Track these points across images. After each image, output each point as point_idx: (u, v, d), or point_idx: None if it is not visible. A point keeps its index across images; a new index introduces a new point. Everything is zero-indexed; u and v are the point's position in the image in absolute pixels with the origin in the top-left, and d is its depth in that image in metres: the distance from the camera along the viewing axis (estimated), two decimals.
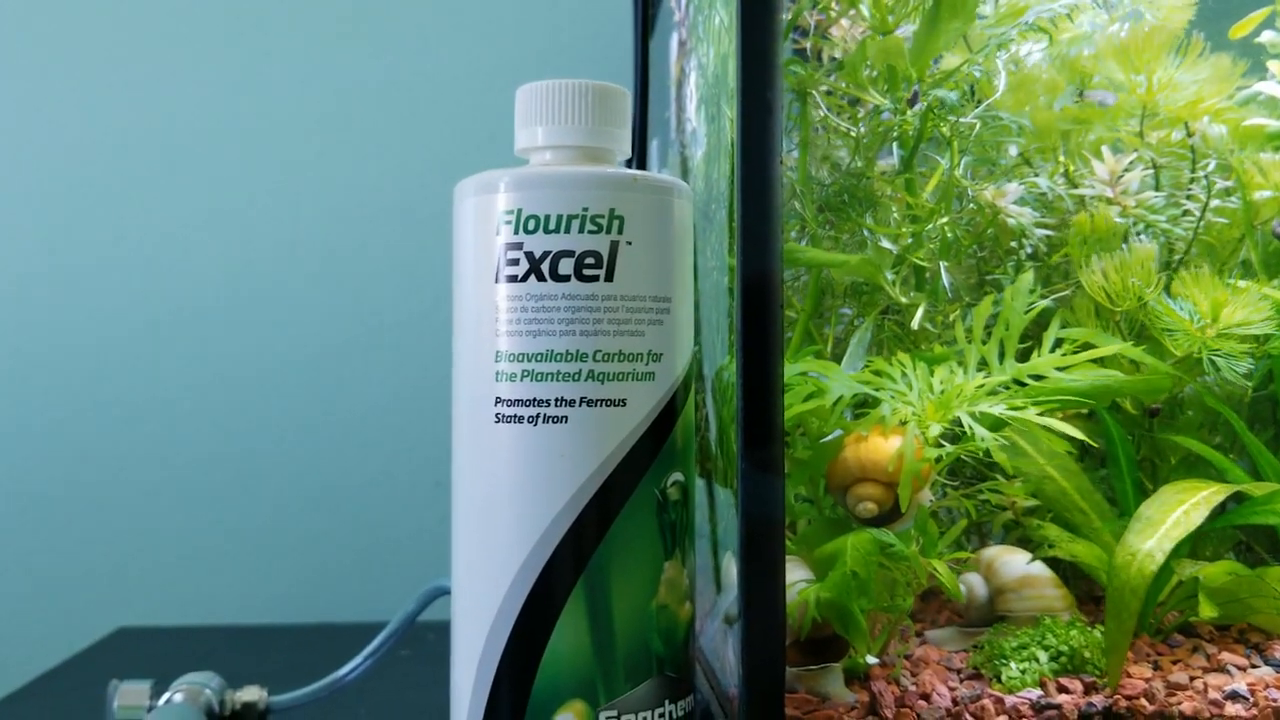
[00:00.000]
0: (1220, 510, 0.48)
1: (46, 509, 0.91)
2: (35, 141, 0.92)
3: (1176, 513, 0.46)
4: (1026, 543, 0.52)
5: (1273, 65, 0.57)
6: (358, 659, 0.56)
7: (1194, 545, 0.53)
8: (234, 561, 0.91)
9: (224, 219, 0.92)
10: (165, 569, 0.91)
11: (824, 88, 0.52)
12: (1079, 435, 0.45)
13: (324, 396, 0.92)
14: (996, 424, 0.45)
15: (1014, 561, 0.52)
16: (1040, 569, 0.51)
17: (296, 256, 0.92)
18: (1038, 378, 0.47)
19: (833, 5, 0.50)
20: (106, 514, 0.91)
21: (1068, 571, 0.53)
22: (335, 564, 0.92)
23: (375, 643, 0.56)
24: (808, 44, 0.54)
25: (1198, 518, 0.46)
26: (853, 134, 0.50)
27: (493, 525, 0.42)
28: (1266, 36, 0.58)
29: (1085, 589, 0.55)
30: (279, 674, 0.59)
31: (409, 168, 0.93)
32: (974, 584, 0.53)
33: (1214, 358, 0.48)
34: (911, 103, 0.47)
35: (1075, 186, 0.52)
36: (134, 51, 0.92)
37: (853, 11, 0.50)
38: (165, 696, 0.54)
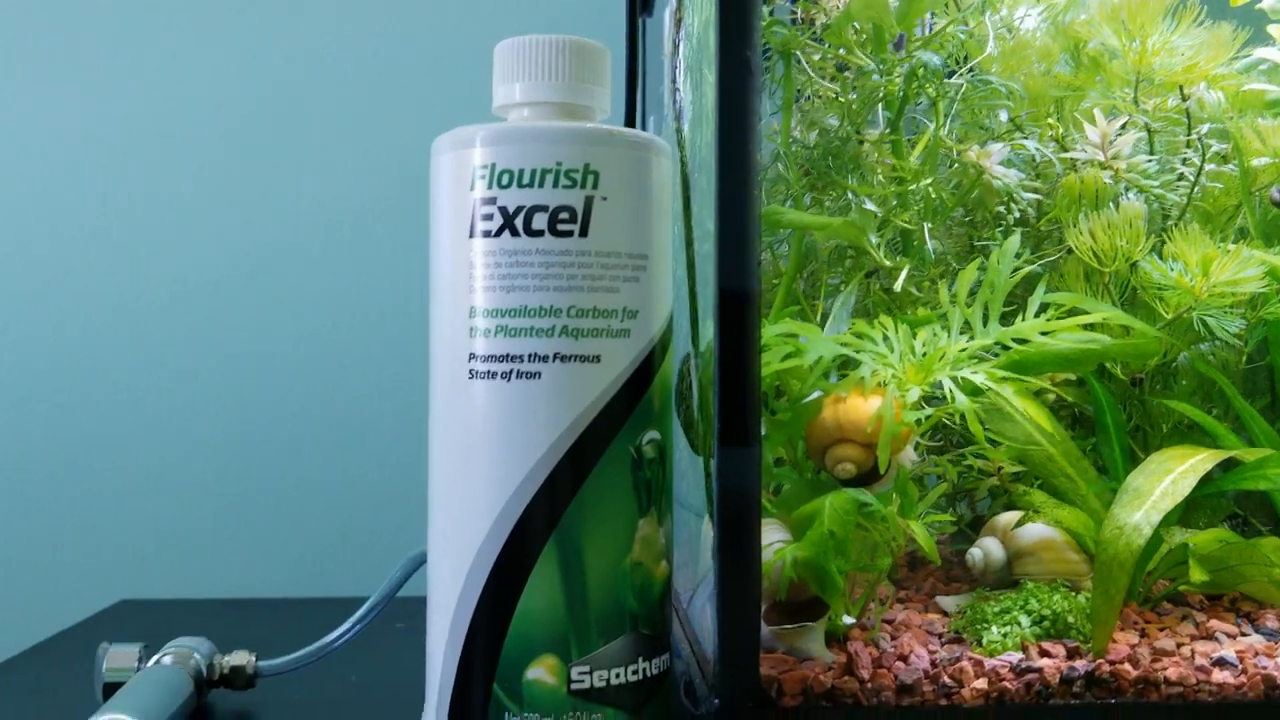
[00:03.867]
0: (1210, 477, 0.48)
1: (54, 489, 0.92)
2: (18, 137, 0.93)
3: (1164, 483, 0.45)
4: (1013, 508, 0.52)
5: (1274, 30, 0.56)
6: (345, 625, 0.56)
7: (1185, 514, 0.52)
8: (232, 539, 0.93)
9: (223, 208, 0.93)
10: (167, 546, 0.92)
11: (813, 52, 0.51)
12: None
13: (315, 382, 0.93)
14: (977, 390, 0.44)
15: (1032, 526, 0.51)
16: (1056, 533, 0.50)
17: (291, 244, 0.93)
18: (1022, 342, 0.46)
19: None
20: (111, 494, 0.93)
21: None
22: (329, 541, 0.93)
23: (362, 610, 0.56)
24: (798, 10, 0.54)
25: (1186, 487, 0.45)
26: (840, 99, 0.49)
27: (467, 482, 0.42)
28: (1267, 3, 0.58)
29: None
30: (270, 641, 0.59)
31: (407, 152, 0.93)
32: (990, 548, 0.52)
33: (1205, 317, 0.47)
34: (897, 47, 0.46)
35: (1066, 150, 0.51)
36: (114, 41, 0.93)
37: None
38: (154, 659, 0.54)
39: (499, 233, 0.42)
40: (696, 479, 0.52)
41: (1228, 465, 0.50)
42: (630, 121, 0.74)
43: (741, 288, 0.40)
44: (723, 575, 0.40)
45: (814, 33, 0.51)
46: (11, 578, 0.92)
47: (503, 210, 0.42)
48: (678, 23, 0.63)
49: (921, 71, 0.45)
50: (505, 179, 0.42)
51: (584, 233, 0.42)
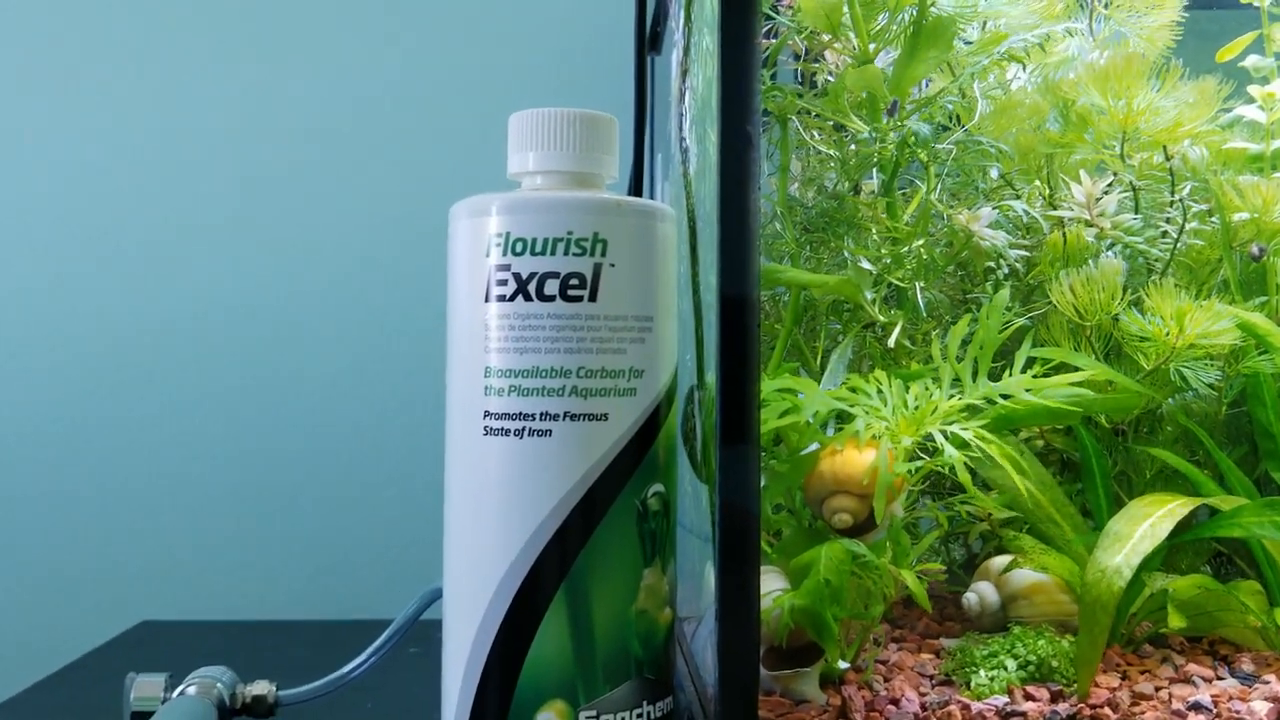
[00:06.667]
0: (1189, 522, 0.50)
1: (76, 510, 0.95)
2: (42, 151, 0.95)
3: (1143, 526, 0.48)
4: (1004, 552, 0.54)
5: (1254, 90, 0.58)
6: (361, 657, 0.58)
7: (1169, 557, 0.54)
8: (251, 560, 0.95)
9: (243, 225, 0.96)
10: (187, 566, 0.95)
11: (811, 112, 0.54)
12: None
13: (338, 402, 0.95)
14: (965, 444, 0.46)
15: (1023, 570, 0.53)
16: (1047, 576, 0.52)
17: (312, 264, 0.95)
18: (1008, 396, 0.48)
19: (820, 34, 0.52)
20: (133, 514, 0.95)
21: None
22: (347, 562, 0.95)
23: (378, 642, 0.58)
24: (799, 68, 0.56)
25: (1164, 530, 0.48)
26: (835, 158, 0.52)
27: (481, 533, 0.44)
28: (1250, 61, 0.60)
29: None
30: (290, 668, 0.61)
31: (424, 179, 0.95)
32: (985, 591, 0.54)
33: (1182, 368, 0.50)
34: (890, 113, 0.48)
35: (1055, 208, 0.54)
36: (139, 62, 0.96)
37: (838, 41, 0.51)
38: (179, 689, 0.57)
39: (513, 297, 0.44)
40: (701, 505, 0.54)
41: (1213, 509, 0.52)
42: (639, 156, 0.77)
43: (742, 294, 0.41)
44: (724, 599, 0.41)
45: (809, 95, 0.53)
46: (36, 593, 0.94)
47: (516, 276, 0.44)
48: (683, 73, 0.65)
49: (913, 140, 0.47)
50: (519, 247, 0.44)
51: (593, 298, 0.44)
